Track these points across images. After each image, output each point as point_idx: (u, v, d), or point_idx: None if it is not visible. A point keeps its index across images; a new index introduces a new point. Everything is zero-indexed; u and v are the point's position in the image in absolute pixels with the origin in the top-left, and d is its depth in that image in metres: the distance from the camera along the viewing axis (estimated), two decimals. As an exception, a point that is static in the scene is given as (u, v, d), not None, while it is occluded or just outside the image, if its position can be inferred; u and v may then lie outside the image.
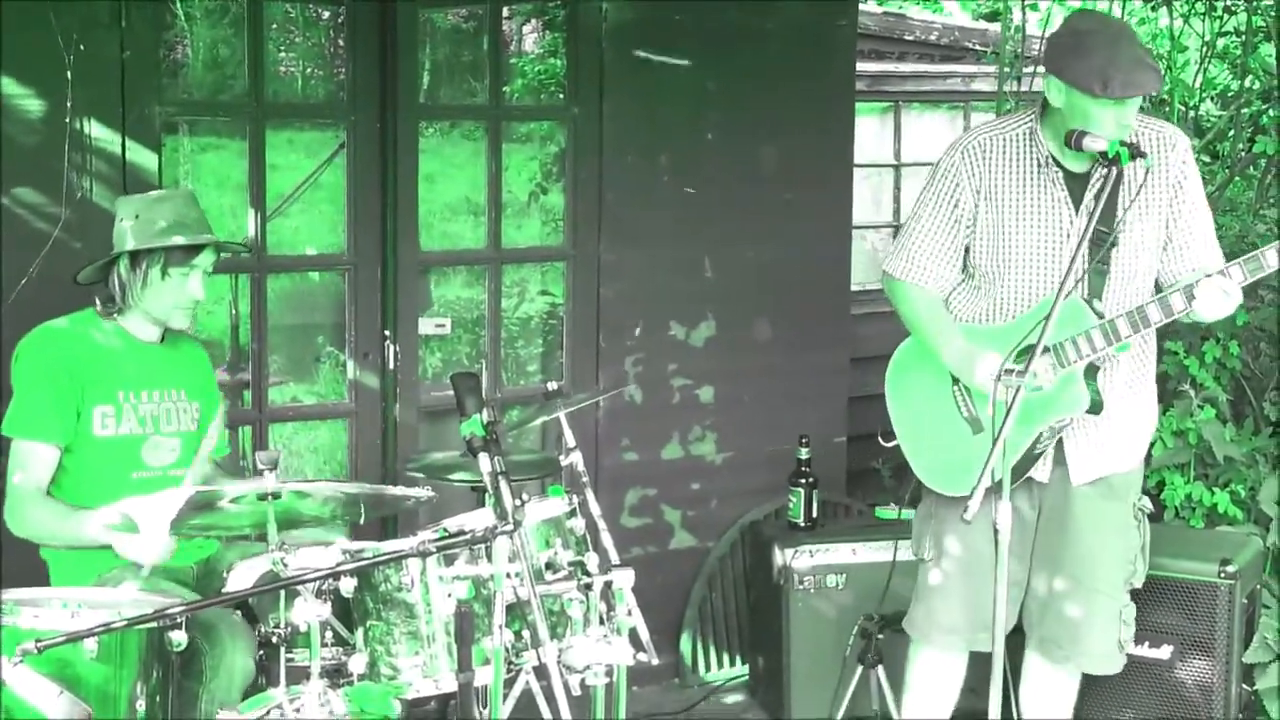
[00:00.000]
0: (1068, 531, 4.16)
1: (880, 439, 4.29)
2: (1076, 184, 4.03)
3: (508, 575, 3.41)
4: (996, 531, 3.51)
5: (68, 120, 4.51)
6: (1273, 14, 7.09)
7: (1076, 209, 4.02)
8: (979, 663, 4.08)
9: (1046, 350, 3.80)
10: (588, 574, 3.70)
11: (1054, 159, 4.02)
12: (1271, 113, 7.14)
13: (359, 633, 3.66)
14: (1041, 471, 4.13)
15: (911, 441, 4.25)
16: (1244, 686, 4.82)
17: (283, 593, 3.45)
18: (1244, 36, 7.30)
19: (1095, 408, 4.01)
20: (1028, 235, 4.05)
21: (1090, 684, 4.58)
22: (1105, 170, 3.87)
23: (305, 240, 7.41)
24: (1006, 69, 7.42)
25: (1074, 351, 3.94)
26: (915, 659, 4.38)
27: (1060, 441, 4.11)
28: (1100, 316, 3.95)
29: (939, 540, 4.24)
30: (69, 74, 4.45)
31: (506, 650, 3.54)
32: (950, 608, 4.23)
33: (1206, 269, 4.01)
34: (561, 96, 5.86)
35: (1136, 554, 4.28)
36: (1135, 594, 4.45)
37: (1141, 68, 3.83)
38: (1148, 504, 4.37)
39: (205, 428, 4.22)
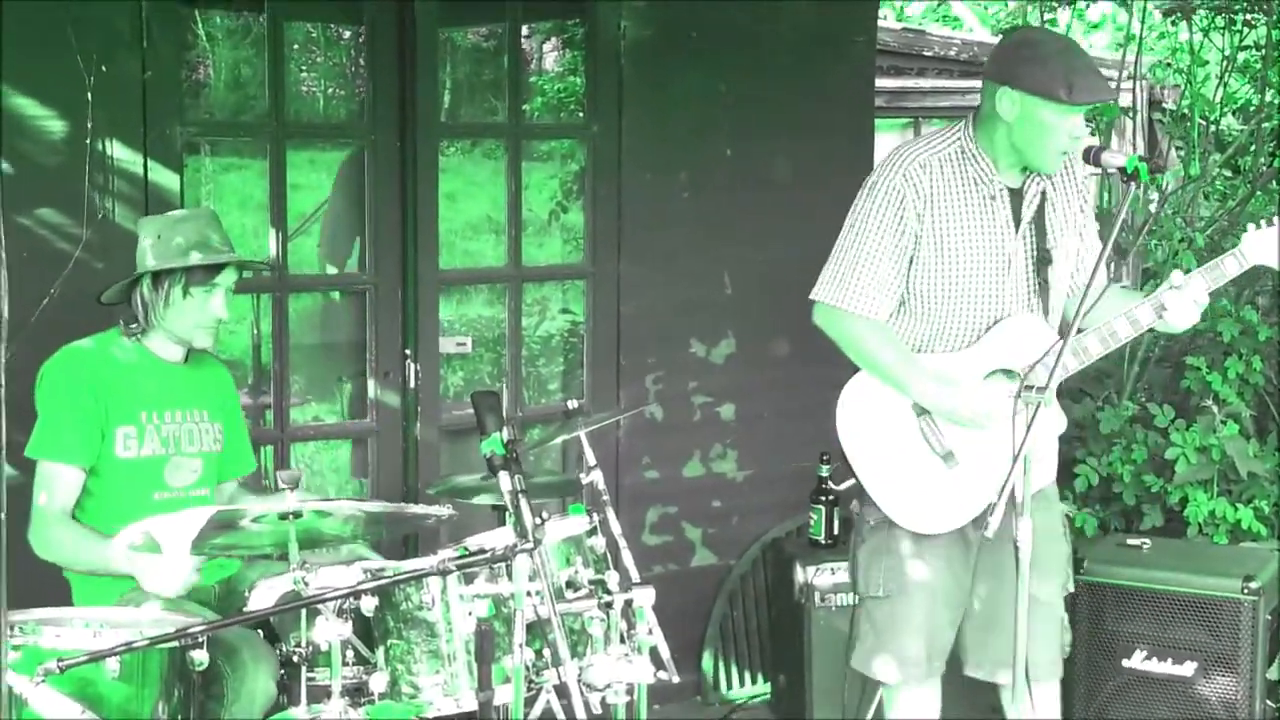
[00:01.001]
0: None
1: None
2: (1014, 201, 4.00)
3: (528, 594, 3.42)
4: (1017, 549, 3.49)
5: (88, 141, 4.53)
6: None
7: (1017, 228, 3.99)
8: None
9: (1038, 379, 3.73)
10: (608, 592, 3.70)
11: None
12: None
13: (380, 651, 3.66)
14: None
15: (877, 482, 4.05)
16: (1268, 703, 4.80)
17: (304, 612, 3.46)
18: (1264, 50, 7.29)
19: (1062, 427, 4.01)
20: (971, 258, 3.96)
21: (1113, 701, 4.58)
22: (1041, 186, 3.96)
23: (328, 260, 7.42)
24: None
25: (1046, 375, 3.87)
26: (895, 700, 4.22)
27: None
28: (1059, 337, 3.93)
29: (894, 576, 4.08)
30: (89, 94, 4.46)
31: (527, 669, 3.54)
32: (912, 641, 4.09)
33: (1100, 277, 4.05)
34: (581, 114, 5.87)
35: (1067, 560, 4.24)
36: (1157, 609, 4.44)
37: (1098, 76, 3.86)
38: (1069, 511, 4.34)
39: (229, 448, 4.23)
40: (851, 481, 4.09)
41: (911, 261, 3.97)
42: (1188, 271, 3.95)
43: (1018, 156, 3.93)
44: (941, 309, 3.99)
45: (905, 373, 3.99)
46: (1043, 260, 3.99)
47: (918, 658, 4.11)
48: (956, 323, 3.99)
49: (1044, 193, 4.01)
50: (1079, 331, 3.78)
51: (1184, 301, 3.84)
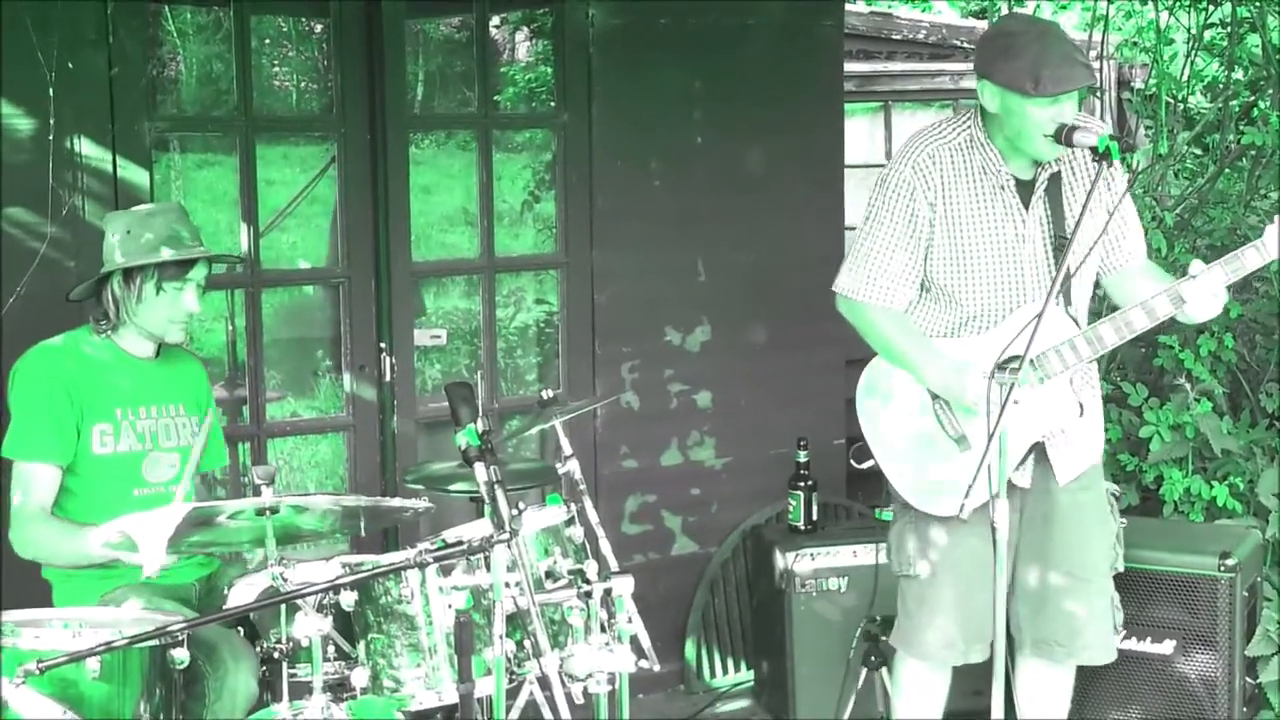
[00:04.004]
0: (1054, 529, 4.13)
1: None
2: (1023, 190, 4.02)
3: (507, 585, 3.42)
4: (995, 530, 3.51)
5: (50, 138, 4.51)
6: (1257, 5, 7.11)
7: (1026, 213, 4.02)
8: (981, 664, 4.07)
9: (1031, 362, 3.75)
10: (587, 582, 3.70)
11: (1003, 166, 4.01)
12: (1261, 104, 7.15)
13: (361, 646, 3.66)
14: (1023, 477, 4.06)
15: (894, 464, 4.14)
16: (1247, 680, 4.82)
17: (284, 608, 3.45)
18: (1230, 28, 7.31)
19: (1082, 412, 4.02)
20: (985, 246, 4.01)
21: (1094, 681, 4.59)
22: (1051, 172, 3.98)
23: (302, 254, 7.42)
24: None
25: (1059, 362, 3.89)
26: (903, 672, 4.32)
27: (1041, 444, 4.07)
28: (1077, 324, 3.95)
29: (924, 555, 4.16)
30: (51, 91, 4.45)
31: (508, 660, 3.54)
32: (944, 622, 4.16)
33: (1138, 254, 4.14)
34: (552, 104, 5.86)
35: (1114, 540, 4.27)
36: (1135, 588, 4.44)
37: (1071, 63, 3.83)
38: (1117, 489, 4.37)
39: (206, 441, 4.22)
40: (872, 462, 4.16)
41: (928, 250, 4.04)
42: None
43: (1013, 146, 3.96)
44: (961, 295, 4.04)
45: (919, 358, 4.06)
46: (1059, 247, 4.00)
47: (950, 638, 4.16)
48: (977, 308, 4.04)
49: (1056, 179, 4.01)
50: (1090, 317, 3.81)
51: (1202, 293, 3.85)
